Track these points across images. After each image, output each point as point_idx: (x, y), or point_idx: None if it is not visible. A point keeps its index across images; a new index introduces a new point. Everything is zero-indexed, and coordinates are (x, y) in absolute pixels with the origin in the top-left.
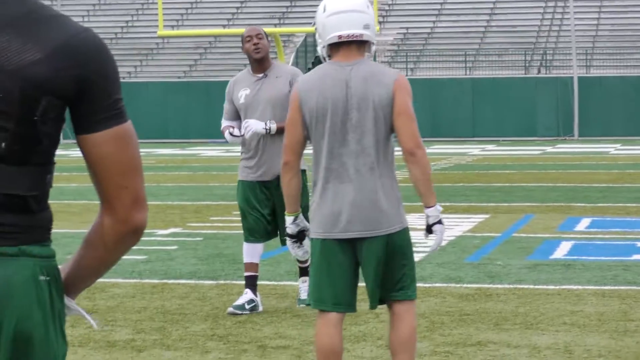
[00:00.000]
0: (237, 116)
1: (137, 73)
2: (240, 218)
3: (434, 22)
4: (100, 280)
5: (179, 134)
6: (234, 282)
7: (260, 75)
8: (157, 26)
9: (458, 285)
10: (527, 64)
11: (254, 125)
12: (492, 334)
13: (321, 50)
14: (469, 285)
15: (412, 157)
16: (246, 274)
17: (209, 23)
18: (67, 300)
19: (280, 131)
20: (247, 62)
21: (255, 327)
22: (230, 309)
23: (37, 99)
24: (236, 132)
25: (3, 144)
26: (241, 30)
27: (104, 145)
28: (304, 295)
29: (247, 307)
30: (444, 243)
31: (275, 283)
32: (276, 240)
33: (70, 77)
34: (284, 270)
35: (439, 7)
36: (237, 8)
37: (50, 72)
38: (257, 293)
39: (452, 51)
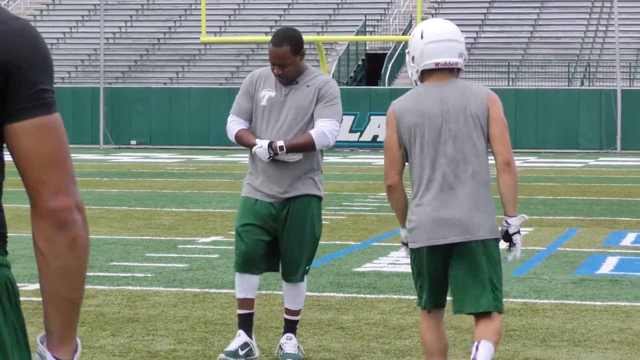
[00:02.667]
0: (250, 116)
1: (179, 79)
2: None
3: (477, 32)
4: (141, 288)
5: (221, 140)
6: (276, 292)
7: None
8: (199, 32)
9: (504, 299)
10: (570, 76)
11: (259, 153)
12: (539, 351)
13: (413, 74)
14: (515, 300)
15: (508, 166)
16: (239, 311)
17: (251, 30)
18: (38, 340)
19: (293, 149)
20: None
21: (299, 339)
22: (222, 356)
23: None
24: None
25: None
26: None
27: (24, 136)
28: (288, 349)
29: (241, 352)
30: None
31: (318, 294)
32: (318, 250)
33: None
34: (326, 281)
35: (482, 17)
36: (280, 15)
37: None
38: (253, 335)
39: (495, 62)
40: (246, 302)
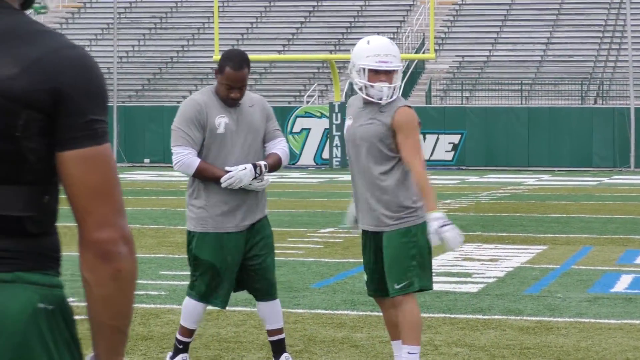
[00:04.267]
0: (200, 147)
1: None
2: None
3: (490, 50)
4: (155, 306)
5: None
6: (291, 310)
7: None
8: (213, 50)
9: (518, 317)
10: (583, 94)
11: (242, 177)
12: None
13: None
14: (529, 318)
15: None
16: (187, 339)
17: (264, 49)
18: None
19: (272, 170)
20: (301, 87)
21: (312, 357)
22: None
23: (17, 114)
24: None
25: None
26: (297, 56)
27: (72, 165)
28: None
29: None
30: (502, 274)
31: (332, 312)
32: (330, 268)
33: (46, 91)
34: (340, 299)
35: (495, 35)
36: (293, 34)
37: (26, 86)
38: None
39: (508, 80)
40: (192, 332)
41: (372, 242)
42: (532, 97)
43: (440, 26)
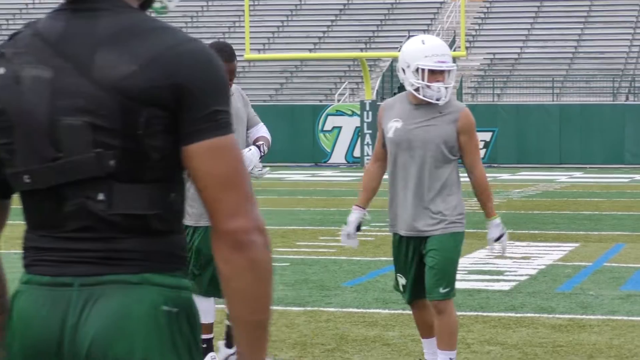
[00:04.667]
0: None
1: None
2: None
3: (521, 47)
4: None
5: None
6: (322, 309)
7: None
8: (244, 49)
9: (550, 315)
10: (615, 91)
11: (251, 158)
12: None
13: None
14: (561, 316)
15: None
16: (208, 336)
17: (295, 47)
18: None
19: (267, 150)
20: (332, 86)
21: (345, 356)
22: None
23: (137, 112)
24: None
25: (112, 162)
26: (328, 54)
27: (198, 157)
28: None
29: None
30: (534, 272)
31: (364, 310)
32: (362, 266)
33: (166, 87)
34: (372, 297)
35: (526, 32)
36: (324, 32)
37: (145, 83)
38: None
39: (539, 77)
40: (211, 326)
41: (415, 247)
42: (564, 94)
43: (471, 23)
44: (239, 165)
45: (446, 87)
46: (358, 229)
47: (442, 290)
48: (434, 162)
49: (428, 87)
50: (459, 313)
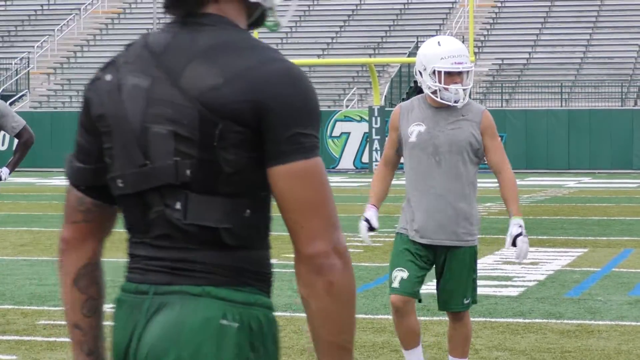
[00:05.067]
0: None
1: None
2: None
3: (529, 53)
4: None
5: None
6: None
7: None
8: None
9: (559, 321)
10: (623, 96)
11: None
12: None
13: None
14: (569, 321)
15: None
16: None
17: (304, 53)
18: None
19: None
20: (340, 92)
21: None
22: None
23: (214, 124)
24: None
25: (188, 171)
26: (336, 60)
27: (280, 180)
28: None
29: None
30: (542, 277)
31: (372, 317)
32: (370, 272)
33: (247, 103)
34: (380, 303)
35: (534, 38)
36: (332, 38)
37: (227, 97)
38: None
39: (547, 82)
40: None
41: (439, 256)
42: (572, 100)
43: (480, 29)
44: (322, 189)
45: (464, 89)
46: (372, 228)
47: (465, 302)
48: (461, 167)
49: (445, 89)
50: None
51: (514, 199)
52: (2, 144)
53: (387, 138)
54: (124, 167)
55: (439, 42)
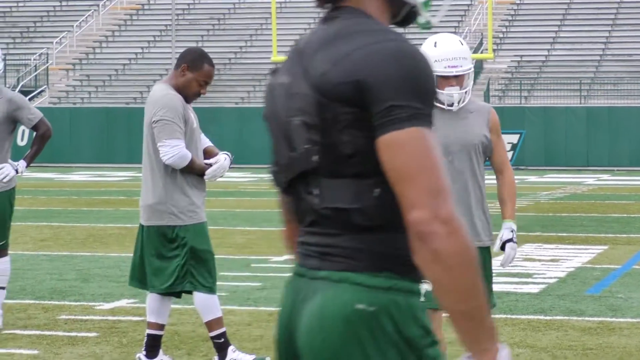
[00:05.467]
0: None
1: (250, 99)
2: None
3: (548, 50)
4: None
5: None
6: None
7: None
8: (270, 52)
9: (580, 318)
10: None
11: (226, 166)
12: None
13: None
14: (590, 319)
15: None
16: (222, 330)
17: None
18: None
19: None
20: None
21: None
22: None
23: (327, 108)
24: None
25: (316, 157)
26: None
27: (380, 152)
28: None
29: None
30: (563, 274)
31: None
32: None
33: (350, 84)
34: None
35: (553, 35)
36: None
37: (333, 80)
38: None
39: (566, 79)
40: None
41: None
42: (591, 97)
43: (499, 26)
44: (415, 158)
45: (459, 92)
46: None
47: None
48: (474, 166)
49: (440, 92)
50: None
51: (511, 201)
52: (22, 139)
53: None
54: (280, 159)
55: (435, 43)
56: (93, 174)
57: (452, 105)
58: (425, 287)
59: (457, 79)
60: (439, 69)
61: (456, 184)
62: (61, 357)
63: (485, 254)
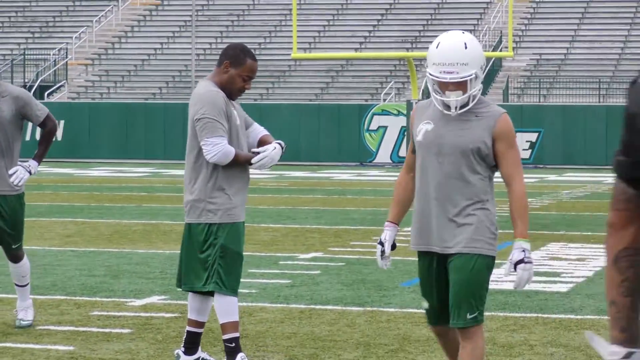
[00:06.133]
0: None
1: (270, 95)
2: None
3: (567, 48)
4: (247, 304)
5: (310, 156)
6: (382, 309)
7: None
8: (290, 48)
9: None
10: None
11: (274, 156)
12: None
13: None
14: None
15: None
16: (236, 334)
17: (341, 46)
18: None
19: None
20: (378, 85)
21: (409, 357)
22: None
23: None
24: None
25: None
26: (374, 54)
27: None
28: None
29: None
30: (590, 273)
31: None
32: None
33: None
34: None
35: (572, 33)
36: (370, 32)
37: None
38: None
39: (585, 78)
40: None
41: (440, 265)
42: (610, 95)
43: (518, 24)
44: None
45: (458, 99)
46: (393, 247)
47: (469, 316)
48: (464, 172)
49: (439, 95)
50: (518, 314)
51: (522, 217)
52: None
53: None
54: (636, 155)
55: (438, 44)
56: (112, 169)
57: (449, 110)
58: (425, 305)
59: (457, 84)
60: (434, 72)
61: (441, 188)
62: (97, 353)
63: (490, 262)
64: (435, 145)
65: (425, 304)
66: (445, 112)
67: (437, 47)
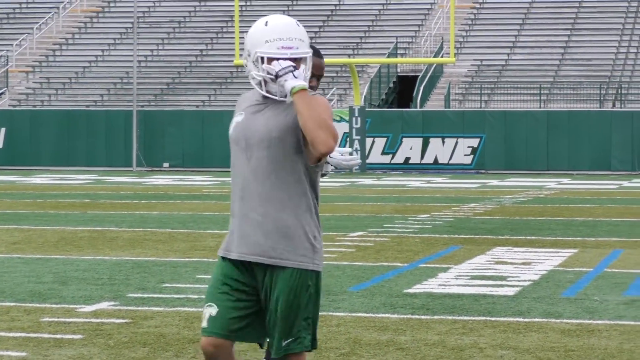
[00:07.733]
0: None
1: (212, 102)
2: None
3: (508, 54)
4: (197, 309)
5: None
6: (332, 313)
7: None
8: (232, 55)
9: (558, 320)
10: (602, 97)
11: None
12: None
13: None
14: (569, 321)
15: None
16: None
17: None
18: None
19: None
20: (320, 92)
21: None
22: None
23: None
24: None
25: None
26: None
27: None
28: None
29: None
30: (536, 277)
31: (373, 315)
32: (366, 271)
33: None
34: (379, 302)
35: (513, 39)
36: (312, 38)
37: None
38: None
39: (526, 84)
40: None
41: (248, 273)
42: (551, 101)
43: (459, 30)
44: None
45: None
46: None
47: (283, 343)
48: (278, 164)
49: (272, 80)
50: (467, 317)
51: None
52: None
53: None
54: None
55: (266, 22)
56: (54, 176)
57: (286, 96)
58: (209, 311)
59: (296, 62)
60: (270, 49)
61: (253, 186)
62: (50, 358)
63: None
64: (243, 138)
65: (212, 310)
66: (281, 99)
67: (266, 25)
